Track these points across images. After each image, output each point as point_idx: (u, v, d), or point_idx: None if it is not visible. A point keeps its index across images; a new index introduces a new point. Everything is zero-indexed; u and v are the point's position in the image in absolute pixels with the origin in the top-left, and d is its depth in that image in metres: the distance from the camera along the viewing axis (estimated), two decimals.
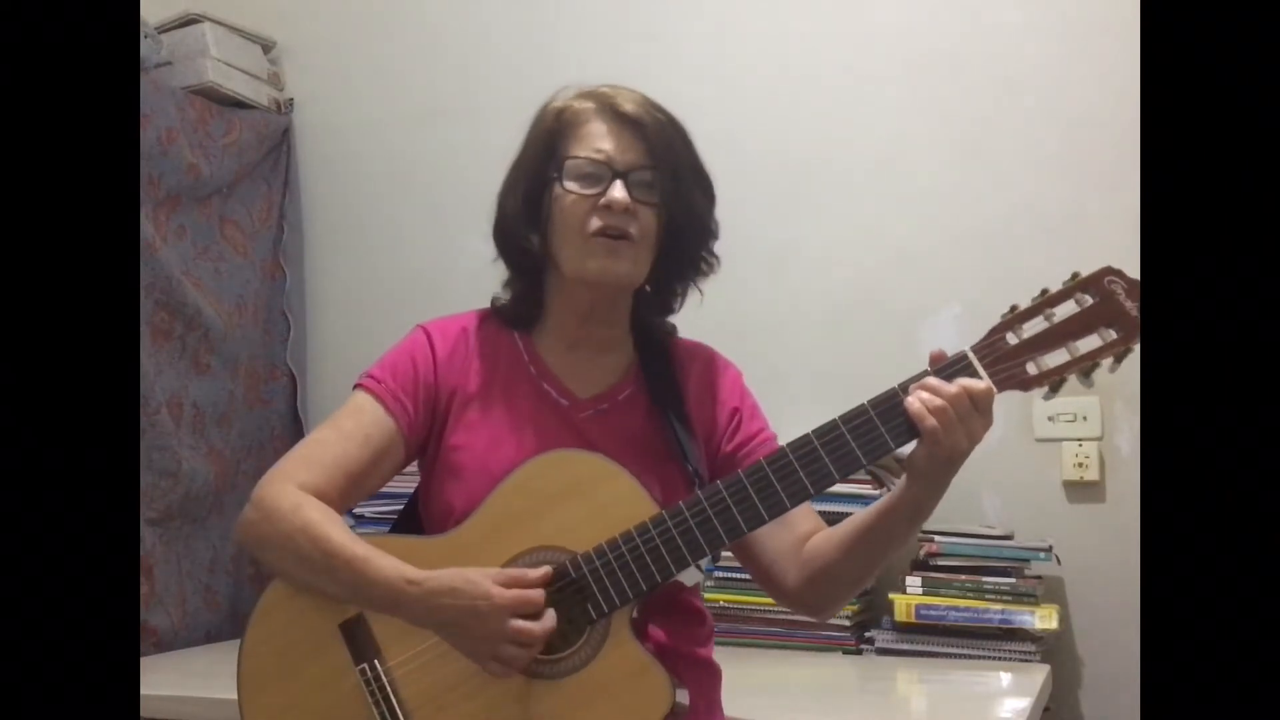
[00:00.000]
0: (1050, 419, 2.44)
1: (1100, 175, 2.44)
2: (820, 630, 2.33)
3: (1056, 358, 1.35)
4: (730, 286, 2.65)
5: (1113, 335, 1.33)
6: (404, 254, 2.95)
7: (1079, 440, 2.44)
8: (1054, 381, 1.35)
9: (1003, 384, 1.35)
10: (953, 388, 1.32)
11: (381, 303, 2.90)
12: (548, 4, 2.87)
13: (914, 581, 2.31)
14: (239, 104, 2.91)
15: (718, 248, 1.60)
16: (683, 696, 1.40)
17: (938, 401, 1.31)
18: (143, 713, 1.68)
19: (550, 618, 1.36)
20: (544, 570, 1.38)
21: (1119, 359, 1.34)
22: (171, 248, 2.65)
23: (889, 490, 1.47)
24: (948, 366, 1.35)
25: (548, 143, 1.52)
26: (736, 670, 2.16)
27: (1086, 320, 1.33)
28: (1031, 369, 1.35)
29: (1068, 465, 2.44)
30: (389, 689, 1.41)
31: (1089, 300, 1.34)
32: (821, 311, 2.62)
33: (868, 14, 2.64)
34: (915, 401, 1.32)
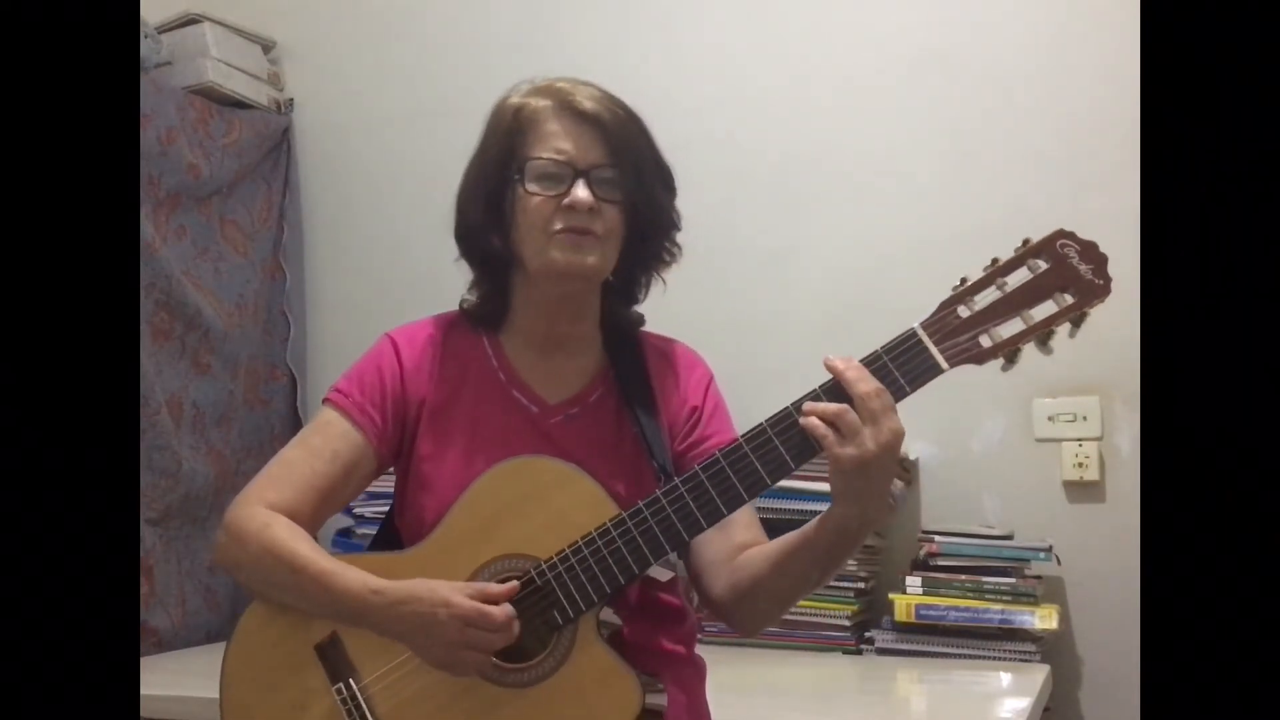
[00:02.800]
0: (1050, 419, 2.44)
1: (1099, 175, 2.44)
2: (820, 630, 2.33)
3: (1011, 327, 1.31)
4: (730, 286, 2.68)
5: (1068, 300, 1.30)
6: (404, 254, 2.95)
7: (1079, 440, 2.43)
8: (1009, 352, 1.32)
9: (955, 359, 1.32)
10: (833, 407, 1.30)
11: (381, 303, 2.90)
12: (547, 4, 2.87)
13: (914, 581, 2.31)
14: (239, 104, 2.91)
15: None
16: (657, 699, 1.39)
17: (820, 428, 1.30)
18: (143, 713, 1.68)
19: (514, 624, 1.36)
20: (510, 585, 1.38)
21: (1076, 324, 1.30)
22: (171, 248, 2.65)
23: None
24: (896, 346, 1.33)
25: (506, 143, 1.49)
26: (736, 670, 2.16)
27: (1040, 286, 1.30)
28: (985, 341, 1.31)
29: (1068, 465, 2.44)
30: (364, 707, 1.42)
31: (1042, 265, 1.30)
32: (821, 311, 2.62)
33: (867, 14, 2.64)
34: (806, 427, 1.31)
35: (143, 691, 1.45)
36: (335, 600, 1.41)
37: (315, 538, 1.48)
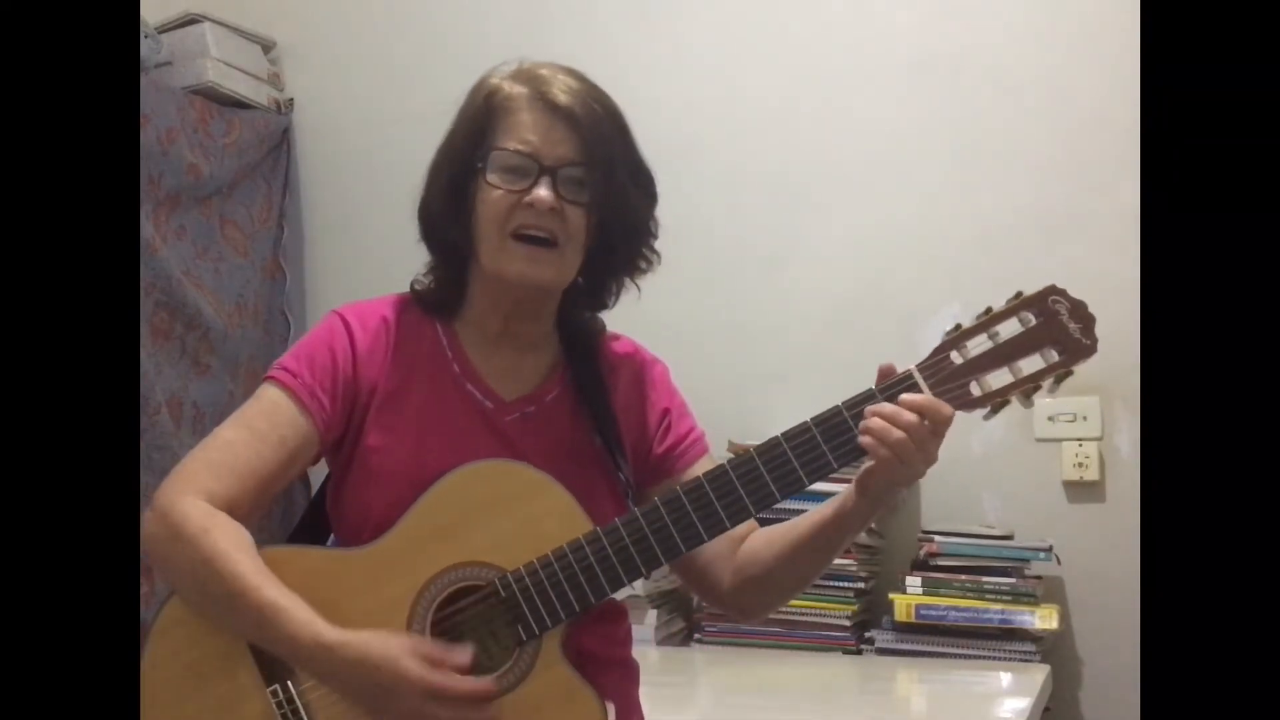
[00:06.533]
0: (1050, 419, 2.44)
1: (1100, 175, 2.44)
2: (820, 630, 2.33)
3: (999, 378, 1.32)
4: (730, 286, 2.68)
5: (1054, 356, 1.31)
6: (404, 254, 2.92)
7: (1079, 440, 2.44)
8: (996, 403, 1.33)
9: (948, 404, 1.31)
10: (910, 416, 1.28)
11: None
12: (547, 5, 2.87)
13: (914, 581, 2.32)
14: (239, 104, 2.91)
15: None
16: (611, 713, 1.36)
17: (895, 434, 1.28)
18: None
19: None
20: (468, 651, 1.30)
21: (1059, 380, 1.32)
22: (171, 248, 2.65)
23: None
24: (894, 386, 1.32)
25: (476, 127, 1.42)
26: (736, 670, 2.16)
27: (1030, 340, 1.31)
28: (975, 389, 1.32)
29: (1068, 465, 2.44)
30: (303, 713, 1.32)
31: (1032, 320, 1.31)
32: (821, 311, 2.62)
33: (868, 14, 2.64)
34: (869, 431, 1.29)
35: None
36: (274, 641, 1.30)
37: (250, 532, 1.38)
